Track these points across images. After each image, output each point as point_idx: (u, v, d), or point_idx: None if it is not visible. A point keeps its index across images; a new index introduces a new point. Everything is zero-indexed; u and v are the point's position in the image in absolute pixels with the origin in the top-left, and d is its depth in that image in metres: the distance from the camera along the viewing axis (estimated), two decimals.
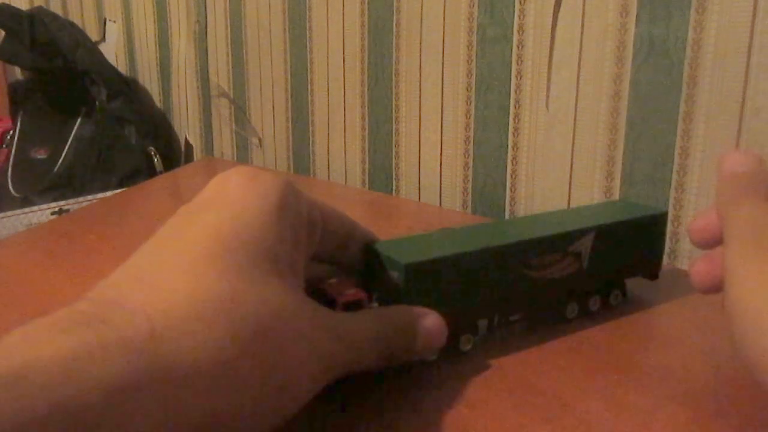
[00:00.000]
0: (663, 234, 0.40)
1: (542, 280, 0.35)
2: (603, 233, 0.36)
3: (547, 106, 0.55)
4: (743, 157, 0.30)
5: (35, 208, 0.73)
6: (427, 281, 0.31)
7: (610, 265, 0.37)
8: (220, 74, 0.80)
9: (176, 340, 0.21)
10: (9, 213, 0.71)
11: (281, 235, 0.26)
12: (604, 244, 0.36)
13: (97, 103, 0.87)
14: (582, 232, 0.36)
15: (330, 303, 0.29)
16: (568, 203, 0.55)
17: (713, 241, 0.30)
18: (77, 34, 0.90)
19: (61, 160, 0.85)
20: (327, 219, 0.30)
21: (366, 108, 0.67)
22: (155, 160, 0.86)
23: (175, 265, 0.23)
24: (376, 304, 0.31)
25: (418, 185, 0.65)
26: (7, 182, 0.85)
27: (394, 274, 0.31)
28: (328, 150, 0.72)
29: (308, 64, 0.71)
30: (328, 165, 0.72)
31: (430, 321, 0.30)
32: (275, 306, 0.24)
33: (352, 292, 0.30)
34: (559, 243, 0.35)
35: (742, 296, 0.25)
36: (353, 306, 0.30)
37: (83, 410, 0.18)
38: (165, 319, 0.21)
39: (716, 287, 0.30)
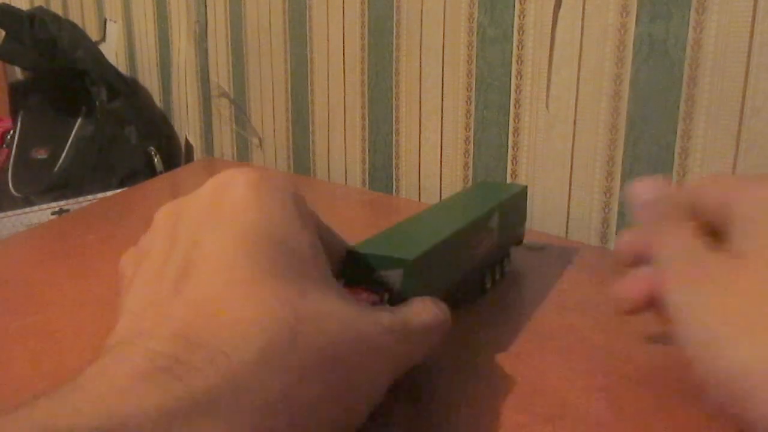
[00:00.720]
0: (525, 206, 0.46)
1: (479, 255, 0.38)
2: (502, 208, 0.41)
3: (547, 106, 0.55)
4: (649, 184, 0.31)
5: (35, 208, 0.73)
6: (424, 273, 0.32)
7: (504, 237, 0.42)
8: (221, 74, 0.80)
9: (258, 377, 0.20)
10: (9, 213, 0.71)
11: (310, 239, 0.26)
12: (502, 218, 0.41)
13: (97, 103, 0.87)
14: (495, 209, 0.40)
15: None
16: (568, 203, 0.55)
17: (640, 260, 0.30)
18: (77, 34, 0.90)
19: (61, 160, 0.85)
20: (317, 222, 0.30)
21: (366, 108, 0.67)
22: (155, 160, 0.86)
23: (226, 288, 0.22)
24: (387, 305, 0.31)
25: (418, 185, 0.65)
26: (8, 182, 0.85)
27: (395, 272, 0.31)
28: (328, 150, 0.72)
29: (308, 64, 0.71)
30: (328, 165, 0.72)
31: (440, 308, 0.30)
32: (338, 318, 0.23)
33: (369, 295, 0.30)
34: (488, 220, 0.39)
35: (688, 325, 0.25)
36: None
37: None
38: (242, 357, 0.20)
39: (641, 309, 0.30)
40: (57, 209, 0.72)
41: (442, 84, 0.61)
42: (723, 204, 0.27)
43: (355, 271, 0.31)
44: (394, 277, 0.31)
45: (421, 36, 0.61)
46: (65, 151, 0.86)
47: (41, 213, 0.71)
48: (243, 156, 0.81)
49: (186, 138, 0.87)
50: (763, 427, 0.21)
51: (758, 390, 0.21)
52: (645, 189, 0.31)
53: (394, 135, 0.66)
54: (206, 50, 0.81)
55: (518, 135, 0.57)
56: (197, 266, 0.23)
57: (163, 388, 0.18)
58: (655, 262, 0.28)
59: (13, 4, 0.94)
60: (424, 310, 0.29)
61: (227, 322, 0.21)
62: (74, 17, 0.98)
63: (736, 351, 0.22)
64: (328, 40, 0.69)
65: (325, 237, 0.29)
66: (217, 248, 0.23)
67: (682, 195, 0.30)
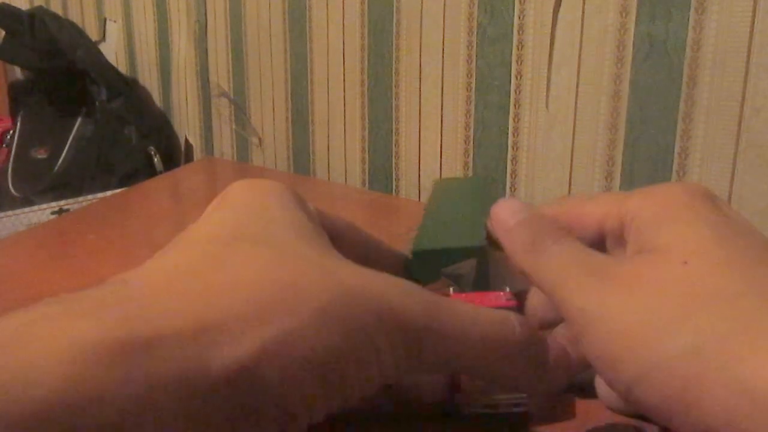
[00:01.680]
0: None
1: None
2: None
3: (546, 106, 0.55)
4: (512, 204, 0.28)
5: (35, 207, 0.73)
6: (489, 261, 0.29)
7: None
8: (220, 74, 0.80)
9: (164, 292, 0.19)
10: (9, 213, 0.71)
11: (303, 220, 0.25)
12: None
13: (97, 102, 0.87)
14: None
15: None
16: None
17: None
18: (77, 33, 0.90)
19: (61, 160, 0.85)
20: (336, 225, 0.28)
21: (366, 108, 0.67)
22: (155, 159, 0.86)
23: (180, 256, 0.22)
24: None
25: (417, 185, 0.65)
26: (7, 182, 0.85)
27: (468, 263, 0.28)
28: (327, 150, 0.72)
29: (308, 64, 0.71)
30: (328, 165, 0.72)
31: (522, 324, 0.25)
32: (331, 268, 0.21)
33: (505, 296, 0.27)
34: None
35: (601, 332, 0.23)
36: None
37: (38, 375, 0.15)
38: (148, 277, 0.19)
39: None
40: (57, 209, 0.72)
41: (442, 84, 0.61)
42: (611, 218, 0.26)
43: (422, 271, 0.29)
44: (467, 268, 0.29)
45: (420, 36, 0.61)
46: (65, 150, 0.86)
47: (41, 213, 0.71)
48: (243, 156, 0.81)
49: (186, 138, 0.87)
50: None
51: (707, 371, 0.20)
52: (508, 211, 0.27)
53: (393, 135, 0.66)
54: (206, 50, 0.81)
55: (518, 135, 0.57)
56: (170, 253, 0.23)
57: (41, 308, 0.18)
58: (546, 286, 0.25)
59: (12, 4, 0.94)
60: (495, 314, 0.24)
61: (154, 268, 0.21)
62: (74, 17, 0.98)
63: (676, 337, 0.21)
64: (327, 40, 0.68)
65: (359, 240, 0.28)
66: (190, 237, 0.23)
67: (556, 215, 0.28)
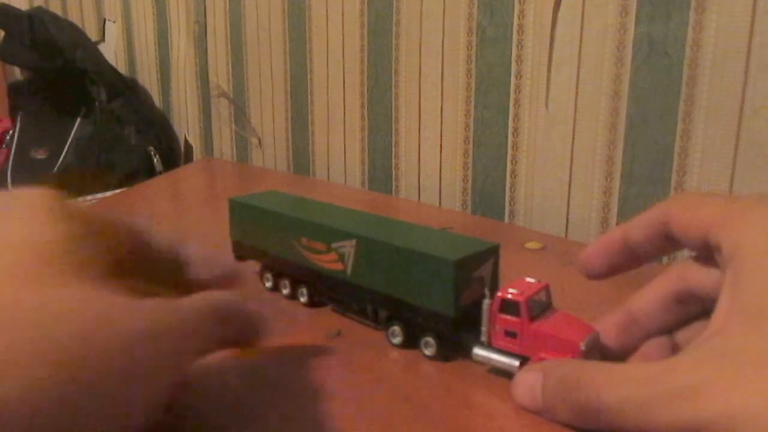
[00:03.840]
0: None
1: None
2: None
3: (546, 106, 0.55)
4: (593, 253, 0.29)
5: None
6: (497, 259, 0.31)
7: None
8: (220, 74, 0.80)
9: None
10: None
11: (63, 236, 0.24)
12: None
13: (96, 103, 0.87)
14: None
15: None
16: (568, 202, 0.55)
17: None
18: (77, 34, 0.90)
19: (60, 160, 0.85)
20: (115, 231, 0.27)
21: (366, 108, 0.67)
22: (155, 160, 0.86)
23: None
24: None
25: (417, 185, 0.65)
26: (7, 182, 0.85)
27: (490, 262, 0.29)
28: (327, 150, 0.72)
29: (308, 65, 0.71)
30: (328, 165, 0.72)
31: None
32: (84, 304, 0.22)
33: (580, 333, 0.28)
34: None
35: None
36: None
37: None
38: None
39: None
40: None
41: (442, 84, 0.61)
42: (714, 233, 0.25)
43: (461, 277, 0.29)
44: (487, 270, 0.30)
45: (420, 36, 0.61)
46: (65, 151, 0.86)
47: None
48: (242, 156, 0.81)
49: (185, 138, 0.87)
50: None
51: None
52: (593, 259, 0.29)
53: (393, 135, 0.66)
54: (206, 50, 0.81)
55: (518, 135, 0.57)
56: None
57: None
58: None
59: (12, 4, 0.94)
60: (211, 293, 0.27)
61: None
62: (73, 17, 0.98)
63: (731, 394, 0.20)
64: (327, 41, 0.69)
65: (118, 236, 0.27)
66: None
67: (663, 213, 0.28)
